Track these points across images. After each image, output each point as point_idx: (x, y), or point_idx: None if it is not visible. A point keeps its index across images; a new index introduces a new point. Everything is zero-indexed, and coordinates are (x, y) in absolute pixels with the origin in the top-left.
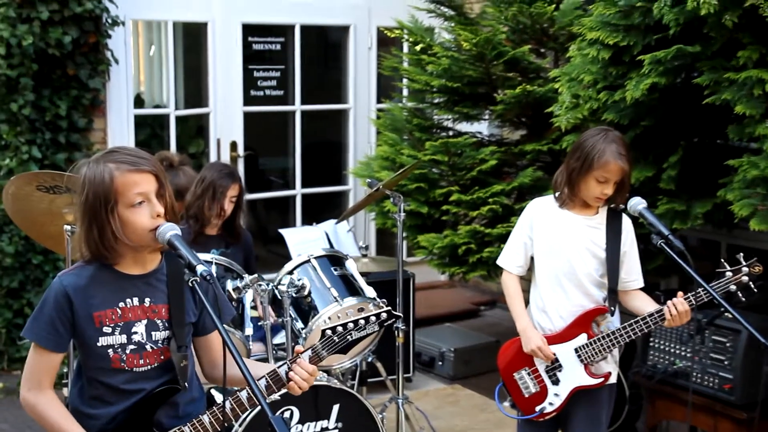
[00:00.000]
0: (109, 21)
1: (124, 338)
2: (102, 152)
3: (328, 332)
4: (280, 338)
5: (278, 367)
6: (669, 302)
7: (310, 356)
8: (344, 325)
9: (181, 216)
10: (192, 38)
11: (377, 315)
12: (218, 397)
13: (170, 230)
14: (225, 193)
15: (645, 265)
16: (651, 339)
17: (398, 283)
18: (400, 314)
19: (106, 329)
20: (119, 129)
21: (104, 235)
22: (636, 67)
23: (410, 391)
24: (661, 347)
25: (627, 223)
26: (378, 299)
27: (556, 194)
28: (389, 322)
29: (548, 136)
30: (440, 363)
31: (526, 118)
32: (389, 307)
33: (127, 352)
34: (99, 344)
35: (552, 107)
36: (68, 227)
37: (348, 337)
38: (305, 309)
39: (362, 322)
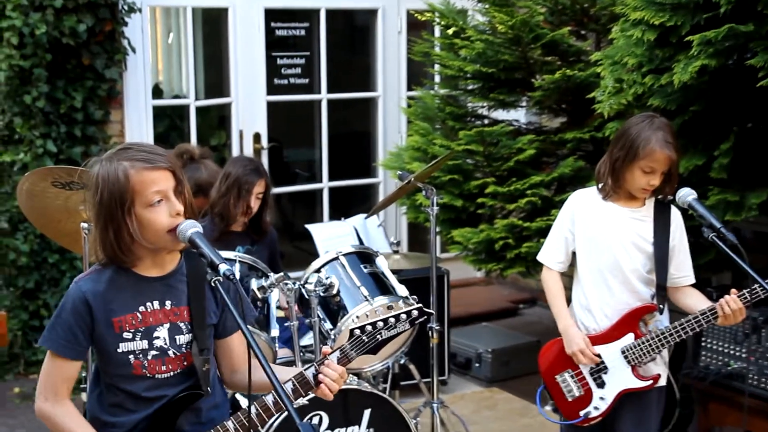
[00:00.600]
0: (126, 8)
1: (145, 344)
2: (115, 149)
3: (357, 332)
4: (308, 340)
5: (305, 370)
6: (722, 299)
7: (339, 357)
8: (373, 324)
9: (204, 212)
10: (212, 25)
11: (408, 313)
12: (243, 402)
13: (191, 227)
14: (251, 190)
15: (696, 259)
16: (703, 338)
17: (432, 281)
18: (432, 311)
19: (127, 335)
20: (137, 121)
21: (121, 237)
22: (684, 48)
23: (445, 394)
24: (714, 347)
25: (676, 216)
26: (409, 297)
27: (599, 186)
28: (421, 320)
29: (590, 123)
30: (477, 365)
31: (566, 105)
32: (420, 305)
33: (149, 358)
34: (119, 351)
35: (594, 93)
36: (85, 225)
37: (377, 336)
38: (334, 309)
39: (392, 320)
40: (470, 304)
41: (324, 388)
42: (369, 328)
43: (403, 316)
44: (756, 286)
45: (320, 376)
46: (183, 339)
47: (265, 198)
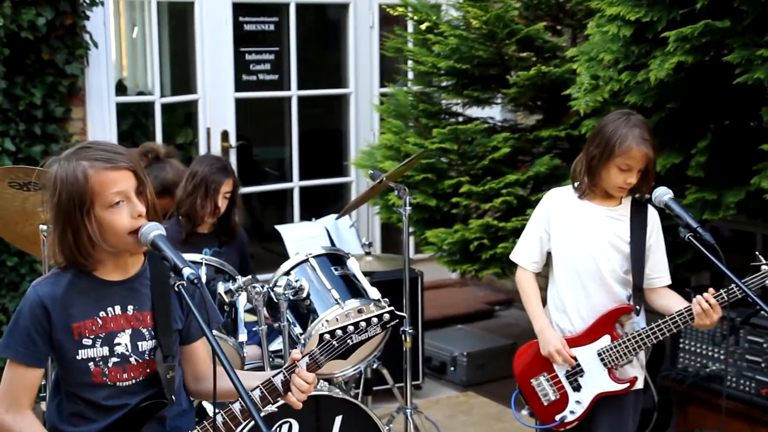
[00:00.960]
0: (88, 1)
1: (106, 350)
2: (74, 148)
3: (327, 336)
4: (277, 344)
5: (273, 376)
6: (696, 297)
7: (308, 363)
8: (343, 329)
9: (170, 214)
10: (178, 19)
11: (379, 316)
12: (210, 410)
13: (154, 230)
14: (218, 189)
15: (673, 259)
16: (681, 340)
17: (405, 283)
18: (404, 314)
19: (86, 341)
20: (100, 118)
21: (80, 240)
22: (660, 44)
23: (420, 399)
24: (692, 349)
25: (653, 215)
26: (381, 300)
27: (575, 184)
28: (393, 323)
29: (566, 120)
30: (452, 368)
31: (541, 102)
32: (392, 308)
33: (110, 365)
34: (79, 357)
35: (570, 89)
36: (44, 227)
37: (348, 341)
38: (304, 313)
39: (363, 324)
40: (445, 306)
41: (293, 395)
42: (339, 332)
43: (375, 319)
44: (733, 285)
45: (290, 384)
46: (146, 345)
47: (233, 198)
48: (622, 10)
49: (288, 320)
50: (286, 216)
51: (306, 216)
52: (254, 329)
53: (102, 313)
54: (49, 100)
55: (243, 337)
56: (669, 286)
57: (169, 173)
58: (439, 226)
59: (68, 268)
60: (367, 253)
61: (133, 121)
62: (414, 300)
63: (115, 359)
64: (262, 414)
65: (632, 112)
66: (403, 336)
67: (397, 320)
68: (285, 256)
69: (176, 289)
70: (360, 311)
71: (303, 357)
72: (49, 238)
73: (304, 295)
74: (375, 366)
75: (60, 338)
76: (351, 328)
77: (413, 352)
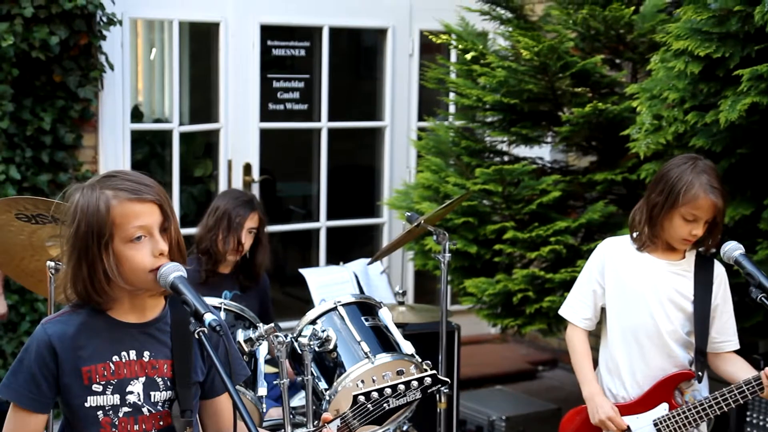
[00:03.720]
0: (104, 20)
1: (117, 399)
2: (98, 176)
3: (361, 398)
4: (299, 400)
5: None
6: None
7: (339, 426)
8: (380, 391)
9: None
10: (201, 41)
11: (420, 380)
12: None
13: (174, 271)
14: (243, 223)
15: (741, 322)
16: (748, 413)
17: (441, 337)
18: (447, 380)
19: (96, 387)
20: (113, 146)
21: (95, 275)
22: (732, 83)
23: None
24: (760, 423)
25: (720, 272)
26: (419, 358)
27: (634, 235)
28: (434, 389)
29: (623, 164)
30: None
31: (596, 142)
32: (434, 371)
33: (120, 415)
34: (87, 405)
35: (629, 129)
36: (51, 263)
37: (384, 405)
38: (330, 366)
39: (402, 387)
40: (483, 364)
41: None
42: (375, 394)
43: (414, 383)
44: None
45: None
46: (159, 396)
47: (259, 236)
48: (691, 44)
49: (312, 374)
50: (311, 259)
51: (333, 259)
52: (274, 382)
53: (115, 358)
54: (59, 125)
55: (263, 390)
56: (736, 352)
57: None
58: (480, 276)
59: (82, 306)
60: (400, 303)
61: (148, 150)
62: (450, 356)
63: (126, 409)
64: None
65: (699, 157)
66: (437, 396)
67: (440, 385)
68: (308, 303)
69: (197, 336)
70: (399, 372)
71: (334, 420)
72: (60, 273)
73: (331, 346)
74: (405, 428)
75: (68, 382)
76: (388, 390)
77: (447, 414)
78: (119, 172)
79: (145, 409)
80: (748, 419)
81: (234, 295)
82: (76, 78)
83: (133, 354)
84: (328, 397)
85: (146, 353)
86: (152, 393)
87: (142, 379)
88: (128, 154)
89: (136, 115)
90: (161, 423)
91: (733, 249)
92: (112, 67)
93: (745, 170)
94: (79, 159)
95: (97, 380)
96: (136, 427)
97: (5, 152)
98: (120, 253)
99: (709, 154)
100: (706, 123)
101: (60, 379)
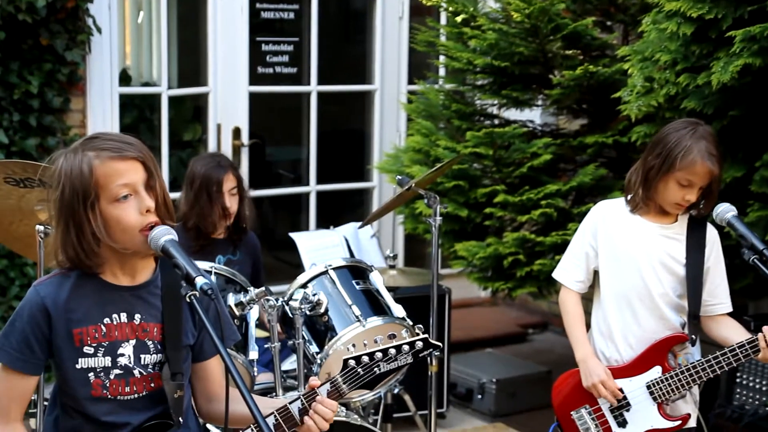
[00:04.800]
0: None
1: (108, 361)
2: (81, 139)
3: (352, 363)
4: (290, 364)
5: (290, 403)
6: (765, 328)
7: (329, 391)
8: (371, 355)
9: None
10: (189, 3)
11: (411, 344)
12: None
13: (164, 234)
14: (221, 188)
15: (732, 284)
16: (738, 375)
17: (432, 300)
18: (439, 344)
19: (88, 349)
20: (101, 110)
21: (83, 237)
22: (725, 45)
23: (443, 429)
24: (751, 384)
25: (712, 234)
26: (410, 321)
27: (629, 196)
28: (425, 353)
29: (614, 126)
30: (479, 396)
31: (587, 105)
32: (426, 335)
33: (111, 377)
34: (78, 366)
35: (620, 92)
36: (41, 227)
37: (375, 369)
38: (321, 330)
39: (393, 351)
40: (473, 328)
41: (312, 426)
42: (366, 359)
43: (406, 347)
44: None
45: (311, 413)
46: (149, 359)
47: (241, 193)
48: (683, 5)
49: (303, 337)
50: (300, 223)
51: (323, 223)
52: (265, 346)
53: (106, 320)
54: (47, 89)
55: (254, 354)
56: (729, 314)
57: None
58: (470, 239)
59: (72, 269)
60: (391, 267)
61: (137, 114)
62: (441, 319)
63: (117, 371)
64: None
65: (700, 122)
66: (428, 359)
67: (432, 349)
68: (298, 266)
69: (188, 300)
70: (391, 336)
71: (323, 384)
72: (50, 238)
73: (322, 310)
74: (396, 391)
75: (60, 344)
76: (379, 355)
77: (438, 377)
78: (101, 134)
79: (136, 371)
80: (738, 381)
81: (227, 259)
82: (63, 41)
83: (123, 316)
84: (319, 361)
85: (137, 316)
86: (142, 356)
87: (133, 342)
88: (116, 118)
89: (124, 78)
90: (152, 385)
91: (725, 211)
92: (99, 30)
93: (737, 132)
94: (67, 123)
95: (89, 342)
96: (127, 389)
97: None
98: (107, 213)
99: (700, 116)
100: (698, 85)
101: (52, 341)
